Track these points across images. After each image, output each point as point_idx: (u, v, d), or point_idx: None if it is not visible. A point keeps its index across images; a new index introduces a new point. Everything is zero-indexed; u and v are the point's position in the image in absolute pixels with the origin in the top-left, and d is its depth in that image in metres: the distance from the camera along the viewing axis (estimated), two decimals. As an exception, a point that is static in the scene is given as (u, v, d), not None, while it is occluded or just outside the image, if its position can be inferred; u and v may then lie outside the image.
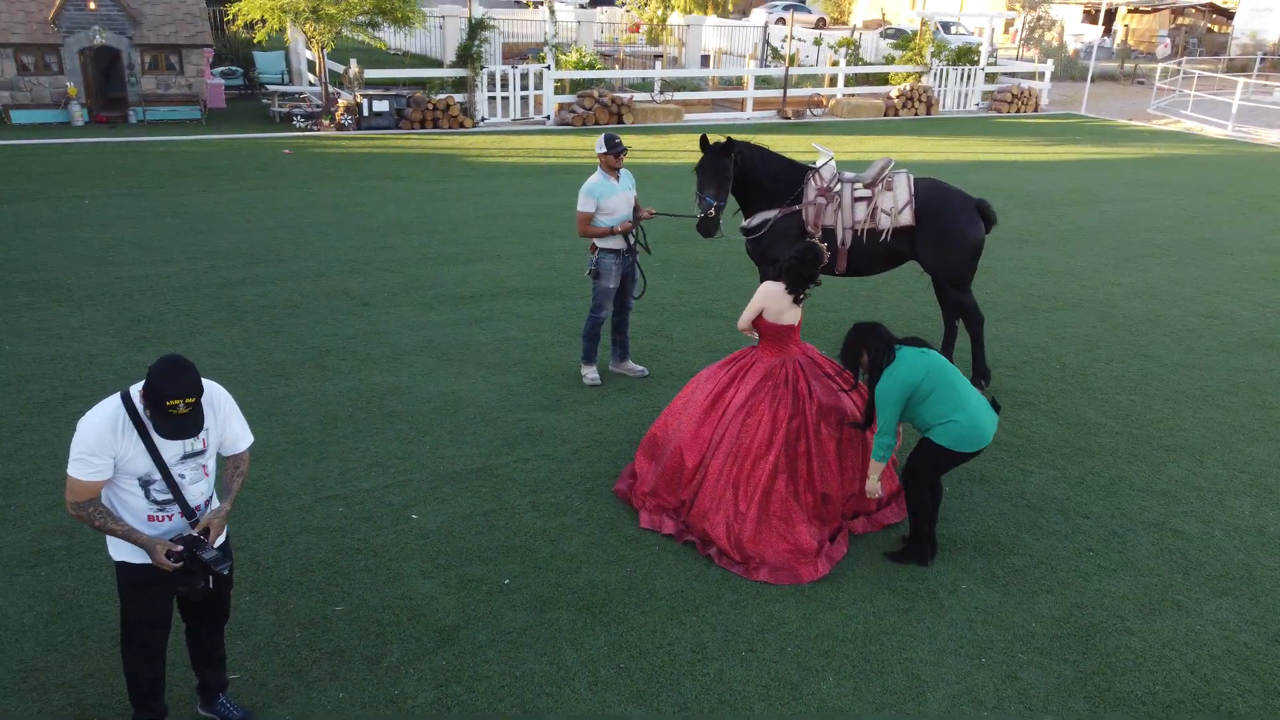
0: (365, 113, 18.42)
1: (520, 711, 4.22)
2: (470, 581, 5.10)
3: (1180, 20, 43.57)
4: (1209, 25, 44.00)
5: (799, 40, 26.17)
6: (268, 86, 20.78)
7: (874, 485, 5.14)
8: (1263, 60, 35.83)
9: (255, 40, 18.66)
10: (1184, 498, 6.16)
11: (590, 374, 7.54)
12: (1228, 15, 43.60)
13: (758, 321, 5.47)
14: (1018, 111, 25.04)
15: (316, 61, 19.47)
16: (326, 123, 18.43)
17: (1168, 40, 41.52)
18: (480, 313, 8.97)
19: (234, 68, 22.18)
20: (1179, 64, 30.00)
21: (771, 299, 5.37)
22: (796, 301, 5.37)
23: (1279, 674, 4.60)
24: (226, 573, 3.61)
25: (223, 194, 13.03)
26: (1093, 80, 27.57)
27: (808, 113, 22.87)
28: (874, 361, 4.98)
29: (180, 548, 3.48)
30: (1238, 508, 6.06)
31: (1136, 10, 43.57)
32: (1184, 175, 17.29)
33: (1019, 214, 13.44)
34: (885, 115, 23.34)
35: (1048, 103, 25.99)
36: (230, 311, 8.76)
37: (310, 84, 21.35)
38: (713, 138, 7.24)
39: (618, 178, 7.16)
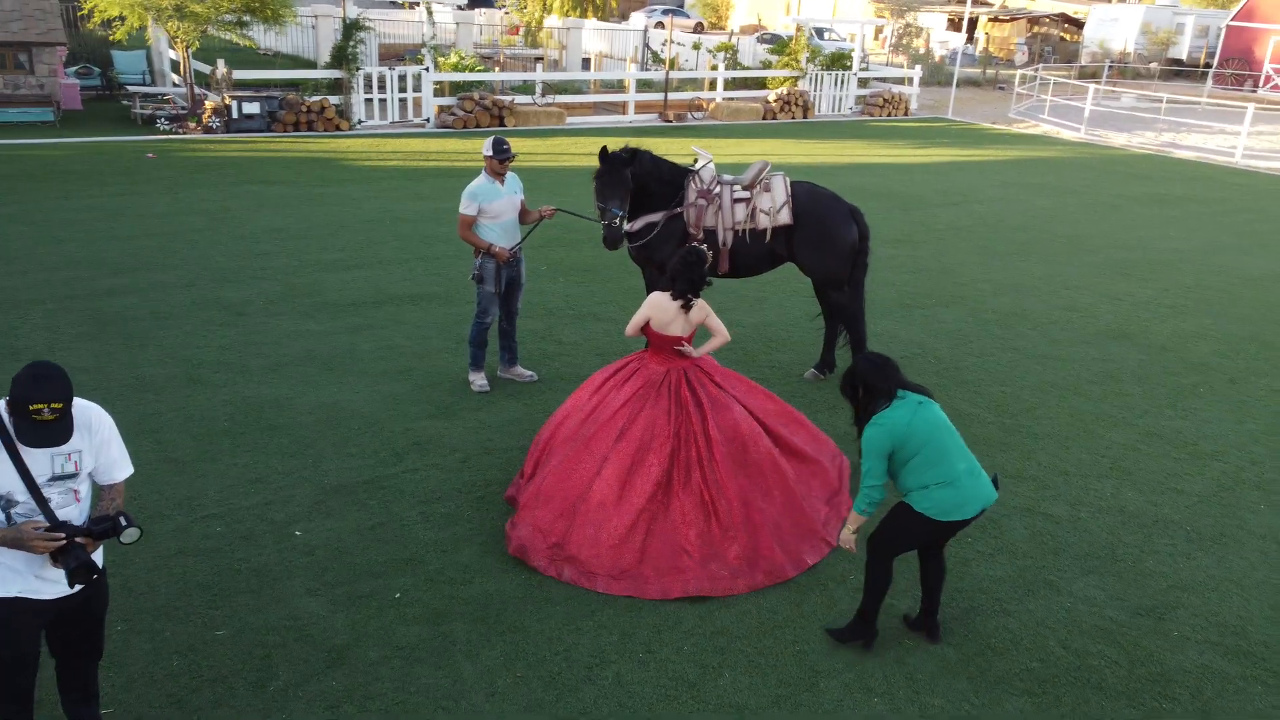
0: (235, 115, 17.73)
1: (416, 728, 4.13)
2: (360, 598, 4.96)
3: (1036, 29, 45.96)
4: (1062, 34, 46.56)
5: (678, 44, 26.49)
6: (128, 87, 19.79)
7: (848, 535, 4.62)
8: (1110, 68, 38.10)
9: (114, 38, 17.72)
10: (1052, 482, 6.48)
11: (479, 380, 7.44)
12: (1079, 25, 46.23)
13: (645, 330, 5.49)
14: (889, 115, 25.94)
15: (181, 61, 18.65)
16: (193, 125, 17.67)
17: (1025, 48, 43.72)
18: (363, 320, 8.74)
19: (91, 67, 21.03)
20: (1036, 70, 31.62)
21: (658, 309, 5.39)
22: (685, 308, 5.39)
23: (1143, 645, 4.88)
24: (96, 575, 3.35)
25: (82, 200, 12.34)
26: (958, 86, 28.79)
27: (689, 116, 23.15)
28: (866, 404, 4.49)
29: (60, 534, 3.23)
30: (1101, 490, 6.42)
31: (996, 19, 45.75)
32: (1044, 176, 18.22)
33: (895, 215, 13.91)
34: (764, 119, 23.83)
35: (917, 107, 27.01)
36: (94, 324, 8.30)
37: (175, 85, 20.44)
38: (612, 147, 7.22)
39: (503, 182, 7.08)
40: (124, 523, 3.33)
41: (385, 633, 4.71)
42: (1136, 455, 6.93)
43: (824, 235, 7.38)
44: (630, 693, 4.41)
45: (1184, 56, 43.15)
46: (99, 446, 3.42)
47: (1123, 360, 8.76)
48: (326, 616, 4.80)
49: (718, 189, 7.38)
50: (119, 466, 3.52)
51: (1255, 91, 37.35)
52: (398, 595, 4.98)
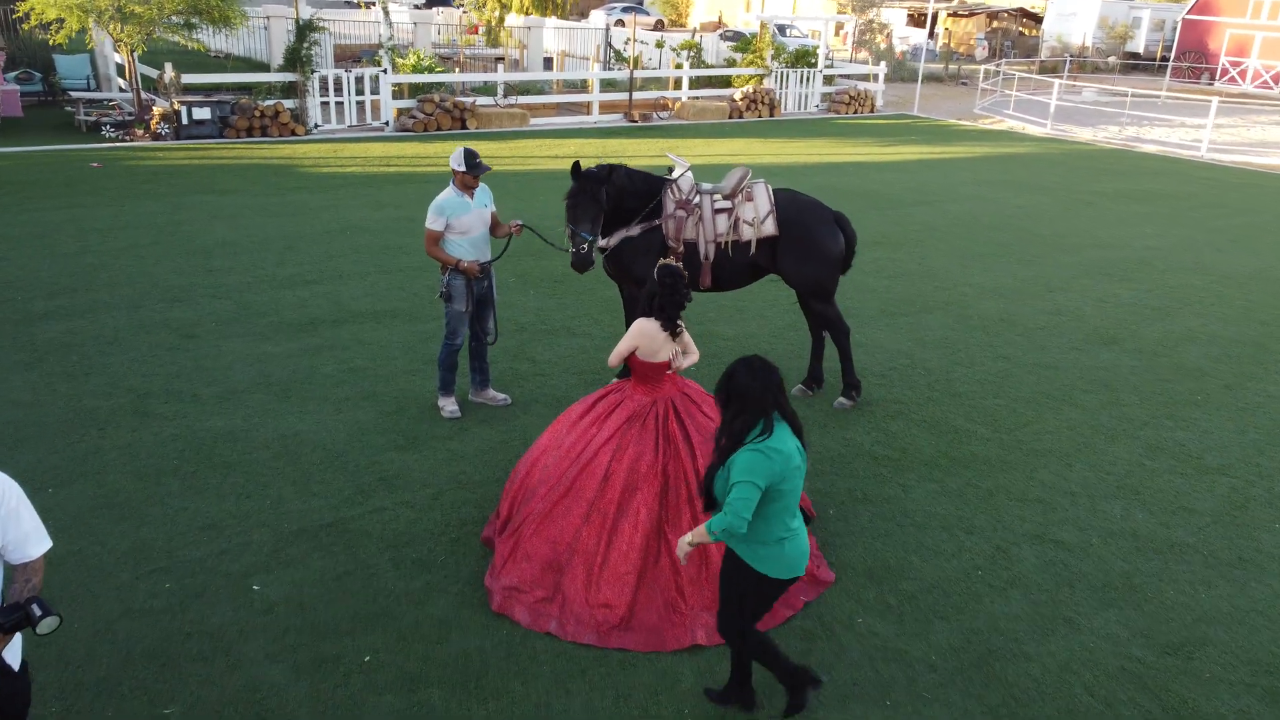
0: (184, 121, 17.02)
1: (391, 819, 3.68)
2: (324, 662, 4.49)
3: (995, 24, 46.13)
4: (1020, 29, 46.78)
5: (641, 43, 26.05)
6: (71, 93, 18.97)
7: (683, 551, 3.98)
8: (1070, 61, 38.27)
9: (54, 42, 16.94)
10: (1058, 504, 6.17)
11: (449, 406, 6.98)
12: (1037, 20, 46.48)
13: (630, 359, 5.07)
14: (855, 112, 25.71)
15: (126, 65, 17.89)
16: (140, 132, 16.94)
17: (985, 43, 43.86)
18: (322, 341, 8.23)
19: (32, 72, 20.16)
20: (998, 66, 31.61)
21: (645, 338, 4.97)
22: (674, 336, 4.99)
23: (1174, 690, 4.56)
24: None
25: (20, 214, 11.66)
26: (922, 82, 28.66)
27: (654, 116, 22.74)
28: (734, 420, 3.82)
29: None
30: (1109, 511, 6.11)
31: (955, 14, 45.83)
32: (1014, 173, 18.05)
33: (870, 216, 13.60)
34: (730, 117, 23.48)
35: (882, 104, 26.82)
36: (30, 352, 7.71)
37: (121, 90, 19.65)
38: (579, 150, 6.77)
39: (472, 195, 6.62)
40: (38, 611, 2.86)
41: (354, 704, 4.25)
42: (1142, 472, 6.64)
43: (810, 245, 7.01)
44: (628, 766, 3.99)
45: (1141, 50, 43.55)
46: (6, 519, 2.95)
47: (1115, 367, 8.49)
48: (288, 686, 4.33)
49: (697, 199, 6.97)
50: (33, 541, 3.04)
51: (1212, 84, 37.74)
52: (367, 658, 4.53)
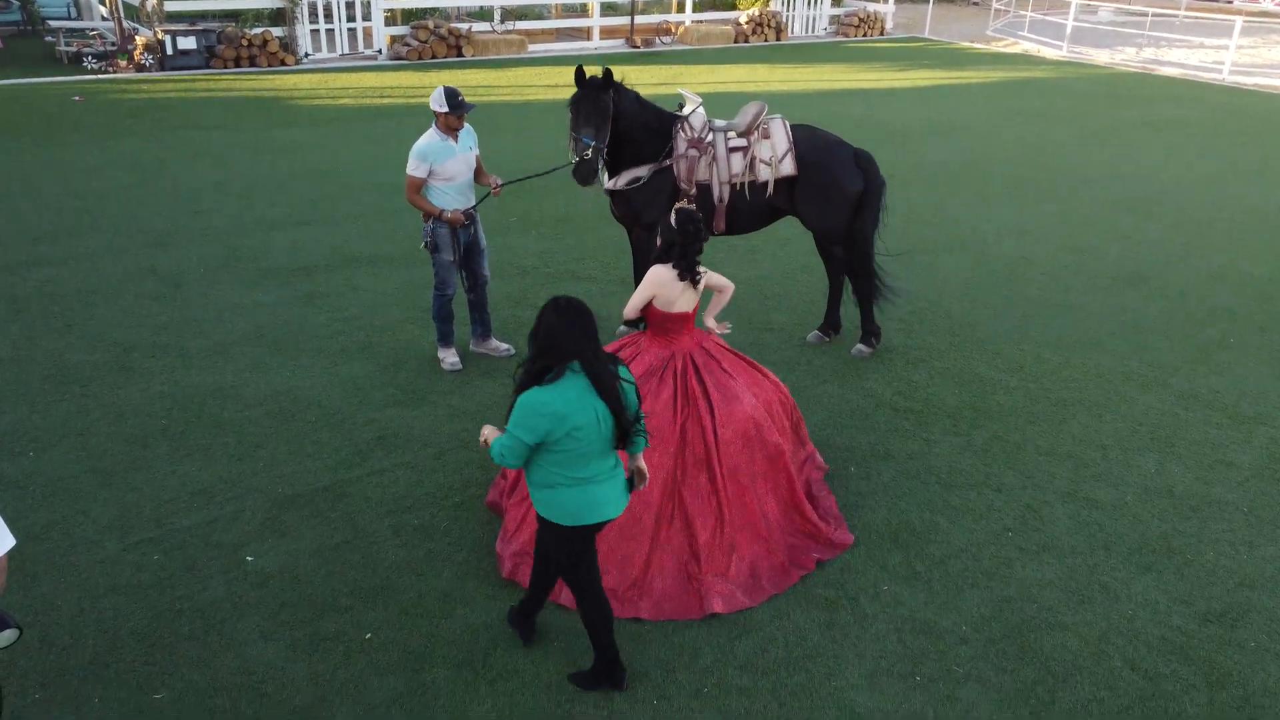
0: (169, 51, 16.38)
1: (396, 816, 3.47)
2: (323, 640, 4.26)
3: (1007, -59, 44.47)
4: (1033, -54, 45.12)
5: (642, -36, 25.06)
6: (51, 22, 18.26)
7: (483, 438, 3.78)
8: (1085, -20, 36.95)
9: (30, -31, 16.24)
10: (1090, 459, 5.88)
11: (449, 358, 6.66)
12: (1050, -64, 44.79)
13: (646, 310, 4.74)
14: (865, 35, 24.85)
15: (106, -7, 17.19)
16: (124, 63, 16.31)
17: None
18: (315, 288, 7.88)
19: (10, 1, 19.41)
20: (1011, -16, 30.49)
21: (662, 287, 4.63)
22: (693, 284, 4.65)
23: (1218, 662, 4.32)
24: None
25: (-2, 154, 11.21)
26: (933, 3, 27.69)
27: (656, 41, 21.97)
28: (541, 365, 3.58)
29: None
30: (1143, 466, 5.83)
31: (966, -69, 44.17)
32: (1030, 101, 17.42)
33: (884, 149, 13.02)
34: (735, 42, 22.68)
35: (893, 26, 25.92)
36: (9, 304, 7.38)
37: (103, 18, 18.92)
38: (589, 70, 6.33)
39: (456, 138, 6.20)
40: None
41: (356, 686, 4.02)
42: (1175, 422, 6.34)
43: (830, 187, 6.59)
44: (646, 753, 3.78)
45: (1157, -33, 42.03)
46: None
47: (1142, 309, 8.13)
48: (285, 667, 4.10)
49: (710, 137, 6.55)
50: None
51: (1232, 3, 36.52)
52: (369, 635, 4.29)
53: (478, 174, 6.38)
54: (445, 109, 6.03)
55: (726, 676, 4.14)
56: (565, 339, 3.52)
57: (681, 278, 4.58)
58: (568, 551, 3.82)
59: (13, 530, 2.85)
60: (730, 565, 4.65)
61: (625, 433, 3.65)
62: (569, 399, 3.51)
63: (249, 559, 4.74)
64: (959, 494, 5.47)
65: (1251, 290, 8.63)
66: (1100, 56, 23.24)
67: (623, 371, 3.70)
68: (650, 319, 4.80)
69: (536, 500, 3.73)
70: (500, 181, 6.44)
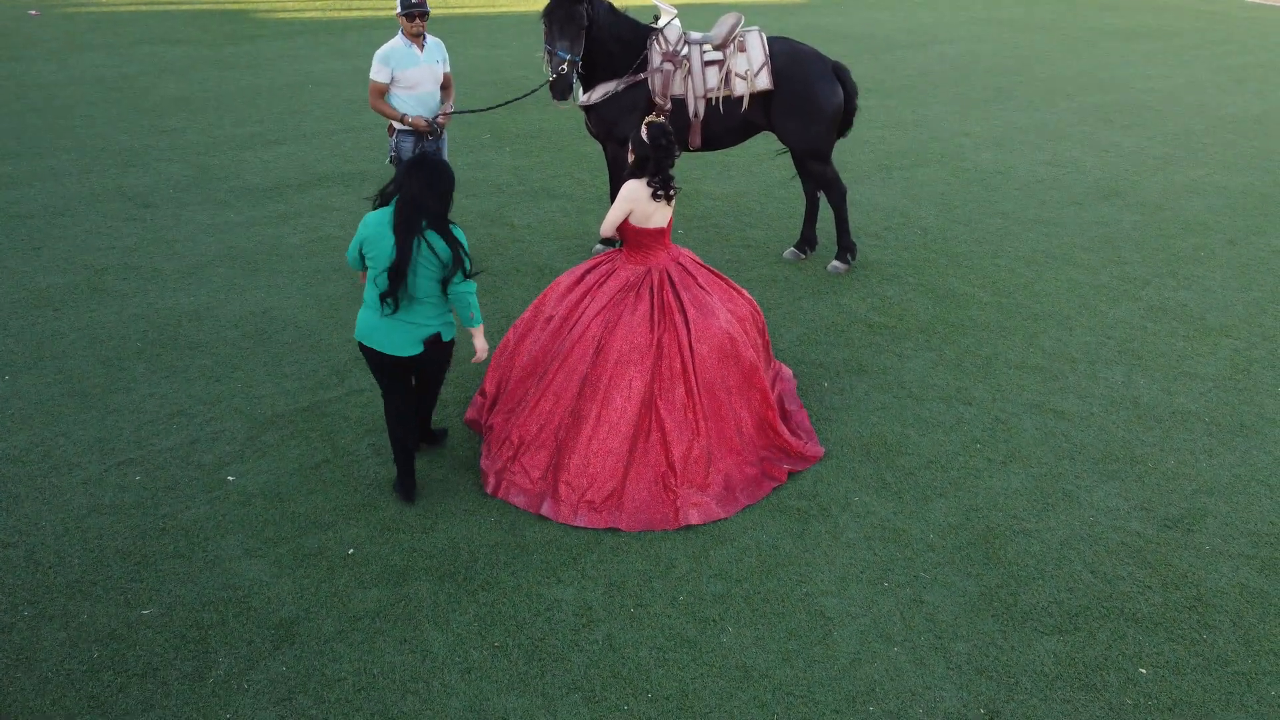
0: (127, -39, 15.79)
1: (383, 721, 3.60)
2: (307, 556, 4.34)
3: None
4: None
5: None
6: (1, -70, 17.52)
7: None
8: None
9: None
10: (1059, 371, 6.00)
11: (425, 277, 6.64)
12: None
13: (623, 226, 4.73)
14: (845, -57, 24.23)
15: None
16: (80, -26, 15.73)
17: None
18: (288, 207, 7.79)
19: (-45, -93, 18.57)
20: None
21: (636, 202, 4.62)
22: (667, 199, 4.64)
23: (1174, 564, 4.50)
24: None
25: (-46, 70, 10.88)
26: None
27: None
28: (379, 192, 4.21)
29: None
30: (1111, 378, 5.95)
31: None
32: (1011, 8, 17.15)
33: (863, 60, 12.92)
34: (713, -50, 22.07)
35: (874, -67, 25.27)
36: (-25, 225, 7.26)
37: (55, -74, 18.15)
38: None
39: (422, 47, 6.10)
40: None
41: (339, 599, 4.12)
42: (1143, 335, 6.45)
43: (807, 101, 6.54)
44: (623, 657, 3.91)
45: None
46: None
47: (1116, 222, 8.19)
48: (270, 583, 4.19)
49: (685, 50, 6.45)
50: None
51: (1219, -93, 35.70)
52: (350, 551, 4.38)
53: (445, 90, 6.30)
54: (400, 11, 5.98)
55: (701, 584, 4.27)
56: (405, 178, 4.06)
57: (655, 194, 4.57)
58: (371, 364, 4.37)
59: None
60: (707, 477, 4.75)
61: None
62: (379, 223, 4.08)
63: (230, 479, 4.80)
64: (930, 407, 5.58)
65: (1224, 202, 8.69)
66: (1085, -37, 22.79)
67: (456, 232, 4.13)
68: (625, 235, 4.80)
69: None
70: (450, 110, 6.34)
